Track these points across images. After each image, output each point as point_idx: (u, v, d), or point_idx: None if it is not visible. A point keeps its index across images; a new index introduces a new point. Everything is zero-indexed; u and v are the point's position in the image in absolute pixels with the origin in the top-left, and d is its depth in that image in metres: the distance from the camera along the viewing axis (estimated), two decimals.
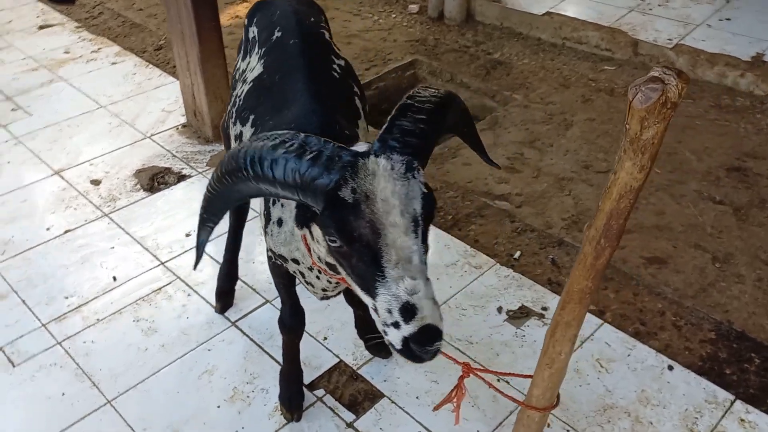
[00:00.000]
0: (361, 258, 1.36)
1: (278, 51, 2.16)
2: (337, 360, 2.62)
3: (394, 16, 5.71)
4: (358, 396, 2.49)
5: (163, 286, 2.97)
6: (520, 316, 2.79)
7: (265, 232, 1.95)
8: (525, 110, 4.44)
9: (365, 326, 2.59)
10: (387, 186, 1.33)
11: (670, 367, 2.53)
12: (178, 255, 3.13)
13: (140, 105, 4.27)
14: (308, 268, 1.88)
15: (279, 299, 2.87)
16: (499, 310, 2.81)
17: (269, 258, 2.10)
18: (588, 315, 2.82)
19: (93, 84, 4.48)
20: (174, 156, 3.80)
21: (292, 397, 2.41)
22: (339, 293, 2.07)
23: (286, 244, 1.88)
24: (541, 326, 2.73)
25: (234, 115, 2.18)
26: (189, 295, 2.93)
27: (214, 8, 3.61)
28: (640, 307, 2.93)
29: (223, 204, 1.59)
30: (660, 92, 1.31)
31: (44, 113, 4.17)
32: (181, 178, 3.64)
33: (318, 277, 1.90)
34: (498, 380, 2.42)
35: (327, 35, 2.28)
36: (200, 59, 3.65)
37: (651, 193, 3.65)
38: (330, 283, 1.91)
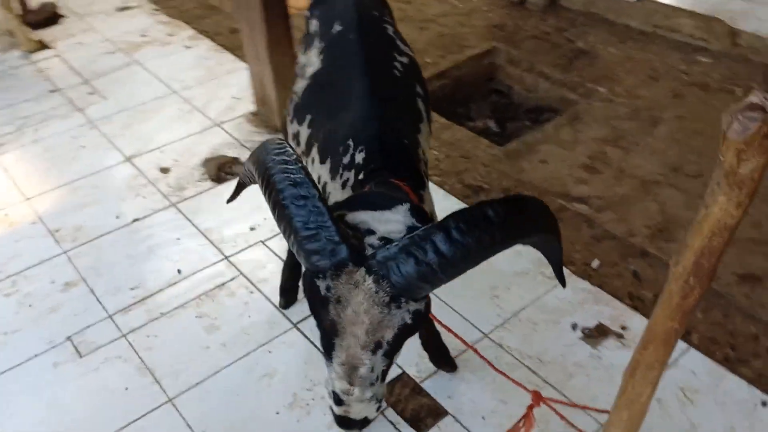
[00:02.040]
0: (319, 331, 1.31)
1: (337, 46, 2.04)
2: (400, 371, 2.51)
3: None
4: (421, 411, 2.38)
5: (227, 282, 2.93)
6: (596, 335, 2.60)
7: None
8: (609, 104, 4.16)
9: (431, 338, 2.47)
10: (363, 303, 1.19)
11: (764, 403, 2.30)
12: (242, 250, 3.09)
13: (212, 91, 4.24)
14: None
15: None
16: (574, 327, 2.63)
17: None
18: None
19: (167, 68, 4.49)
20: (242, 145, 3.76)
21: None
22: None
23: None
24: (620, 348, 2.54)
25: (292, 112, 2.09)
26: (252, 292, 2.88)
27: None
28: (730, 330, 2.69)
29: (252, 180, 1.54)
30: (759, 122, 1.11)
31: (119, 97, 4.21)
32: None
33: None
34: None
35: (391, 29, 2.14)
36: (268, 46, 3.57)
37: None
38: None
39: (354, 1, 2.15)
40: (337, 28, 2.07)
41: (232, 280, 2.94)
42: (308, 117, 1.95)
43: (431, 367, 2.52)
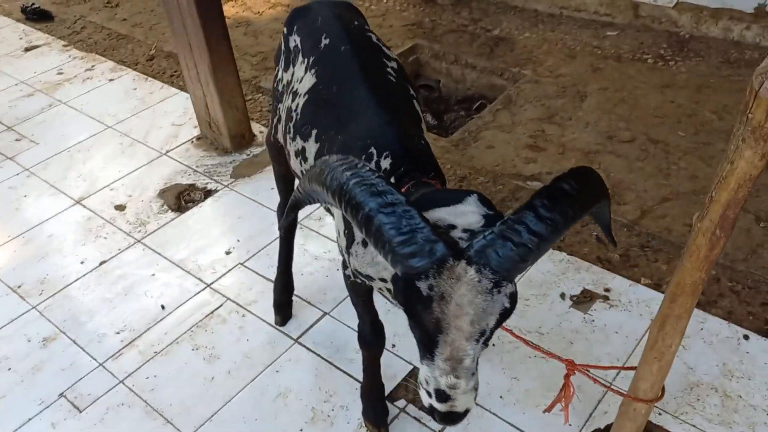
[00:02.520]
0: (418, 332, 1.34)
1: (330, 59, 2.08)
2: (411, 367, 2.58)
3: (385, 0, 5.60)
4: None
5: (215, 310, 2.90)
6: (584, 300, 2.77)
7: (348, 253, 1.89)
8: (536, 85, 4.39)
9: None
10: (467, 295, 1.24)
11: (746, 337, 2.54)
12: (223, 275, 3.06)
13: (148, 121, 4.14)
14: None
15: (336, 311, 2.85)
16: (563, 296, 2.79)
17: (347, 277, 2.04)
18: (649, 290, 2.83)
19: (94, 104, 4.33)
20: (195, 171, 3.70)
21: (377, 412, 2.37)
22: None
23: (373, 265, 1.82)
24: (609, 308, 2.72)
25: (292, 130, 2.10)
26: (243, 315, 2.86)
27: (221, 16, 3.48)
28: None
29: (312, 200, 1.54)
30: None
31: (51, 140, 4.03)
32: (208, 193, 3.54)
33: None
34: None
35: (374, 37, 2.20)
36: (211, 69, 3.53)
37: (680, 157, 3.64)
38: None
39: (334, 14, 2.19)
40: (324, 41, 2.11)
41: (220, 306, 2.91)
42: (314, 132, 1.97)
43: None
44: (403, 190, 1.64)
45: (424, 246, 1.23)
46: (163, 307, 2.93)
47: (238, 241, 3.23)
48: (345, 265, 2.02)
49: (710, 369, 2.45)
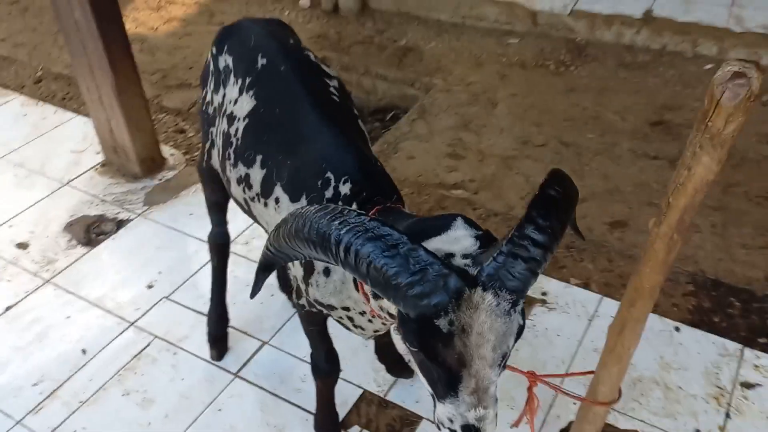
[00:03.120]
0: (439, 372, 1.27)
1: (270, 80, 1.98)
2: (361, 390, 2.51)
3: (287, 13, 5.50)
4: (395, 424, 2.41)
5: (143, 349, 2.70)
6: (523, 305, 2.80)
7: (307, 283, 1.80)
8: (448, 94, 4.45)
9: (386, 349, 2.50)
10: (487, 321, 1.20)
11: (677, 329, 2.66)
12: (147, 311, 2.86)
13: (44, 149, 3.82)
14: (360, 313, 1.76)
15: (276, 339, 2.73)
16: None
17: (301, 306, 1.95)
18: (582, 291, 2.91)
19: None
20: (103, 201, 3.45)
21: None
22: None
23: (336, 294, 1.74)
24: (548, 312, 2.77)
25: (233, 156, 1.98)
26: (175, 353, 2.69)
27: (123, 34, 3.27)
28: (619, 273, 3.05)
29: (289, 258, 1.42)
30: (747, 87, 1.32)
31: None
32: (120, 224, 3.31)
33: (371, 321, 1.79)
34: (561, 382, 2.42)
35: (312, 56, 2.12)
36: (115, 90, 3.31)
37: (591, 159, 3.79)
38: (385, 324, 1.80)
39: (268, 32, 2.09)
40: (261, 61, 2.00)
41: (148, 345, 2.71)
42: (258, 157, 1.87)
43: (390, 378, 2.55)
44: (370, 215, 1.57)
45: (438, 281, 1.16)
46: (84, 351, 2.69)
47: (160, 273, 3.03)
48: (298, 295, 1.93)
49: (649, 363, 2.54)
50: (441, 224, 1.36)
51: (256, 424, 2.42)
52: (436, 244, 1.31)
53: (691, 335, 2.64)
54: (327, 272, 1.73)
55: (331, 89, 2.01)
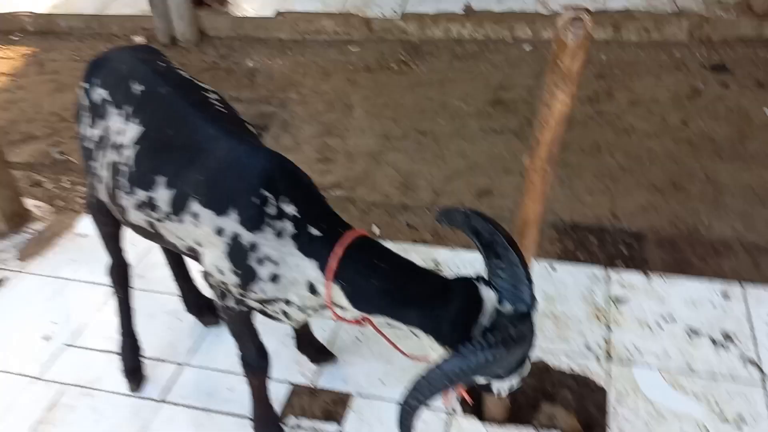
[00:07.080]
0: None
1: (153, 104, 2.04)
2: (291, 386, 2.61)
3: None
4: (329, 405, 2.53)
5: (58, 401, 2.61)
6: None
7: (246, 289, 1.88)
8: (306, 105, 4.64)
9: (305, 337, 2.61)
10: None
11: (553, 268, 3.02)
12: (51, 362, 2.76)
13: None
14: (298, 308, 1.93)
15: (194, 359, 2.75)
16: None
17: (232, 309, 2.03)
18: (467, 252, 3.20)
19: None
20: None
21: None
22: None
23: (282, 291, 1.88)
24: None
25: (127, 183, 2.01)
26: (92, 396, 2.62)
27: None
28: None
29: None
30: (583, 28, 1.62)
31: None
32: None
33: (306, 313, 1.94)
34: None
35: (185, 73, 2.21)
36: None
37: (448, 142, 4.14)
38: (311, 316, 2.01)
39: (139, 60, 2.13)
40: (138, 88, 2.05)
41: (62, 396, 2.63)
42: (162, 180, 1.92)
43: (313, 367, 2.66)
44: (343, 248, 1.79)
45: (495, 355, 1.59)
46: None
47: (56, 323, 2.93)
48: (227, 299, 2.00)
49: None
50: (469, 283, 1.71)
51: None
52: (487, 294, 1.69)
53: (565, 270, 3.01)
54: (275, 278, 1.85)
55: (213, 101, 2.11)
